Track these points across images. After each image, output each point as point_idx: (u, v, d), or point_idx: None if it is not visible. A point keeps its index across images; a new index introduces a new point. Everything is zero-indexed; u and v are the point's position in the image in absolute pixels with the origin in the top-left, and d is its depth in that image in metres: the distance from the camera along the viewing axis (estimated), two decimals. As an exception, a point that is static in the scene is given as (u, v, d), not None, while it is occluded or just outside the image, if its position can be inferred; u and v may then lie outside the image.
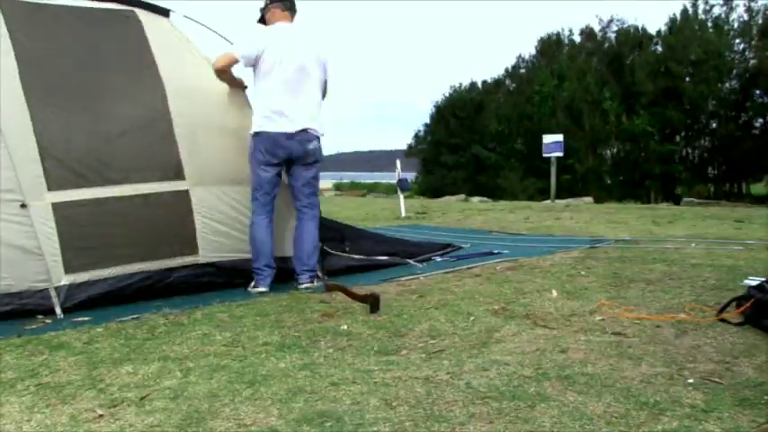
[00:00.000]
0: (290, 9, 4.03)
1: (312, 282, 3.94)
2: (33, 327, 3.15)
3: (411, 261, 4.73)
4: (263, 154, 3.86)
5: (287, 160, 3.93)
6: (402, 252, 4.94)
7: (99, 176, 3.58)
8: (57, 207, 3.42)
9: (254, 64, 3.89)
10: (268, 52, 3.85)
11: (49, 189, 3.42)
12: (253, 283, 3.90)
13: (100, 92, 3.70)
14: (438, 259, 4.92)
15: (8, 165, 3.31)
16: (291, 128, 3.84)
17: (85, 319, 3.26)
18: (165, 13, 4.07)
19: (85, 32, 3.78)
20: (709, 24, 25.83)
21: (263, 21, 4.10)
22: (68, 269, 3.44)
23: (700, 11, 26.29)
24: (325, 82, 4.10)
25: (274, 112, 3.84)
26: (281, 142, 3.84)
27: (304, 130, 3.88)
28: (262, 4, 4.10)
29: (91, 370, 2.46)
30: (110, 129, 3.67)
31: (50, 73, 3.59)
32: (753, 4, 24.52)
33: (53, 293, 3.37)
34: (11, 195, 3.31)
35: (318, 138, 3.97)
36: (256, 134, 3.87)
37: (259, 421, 1.94)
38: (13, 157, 3.33)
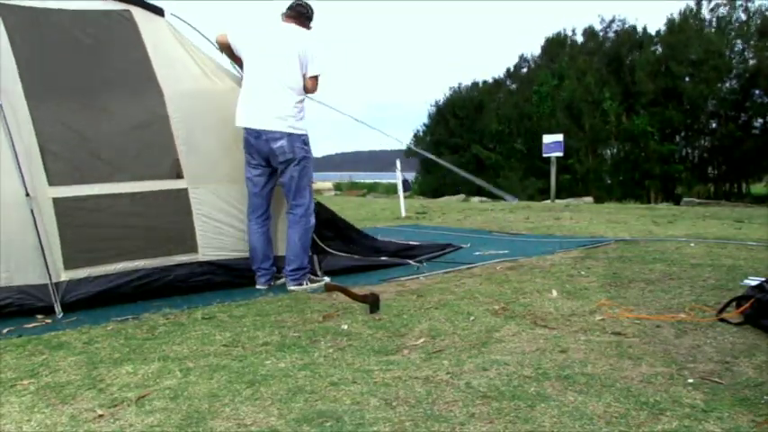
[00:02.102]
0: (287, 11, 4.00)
1: (299, 284, 3.90)
2: (33, 327, 3.15)
3: (411, 261, 4.73)
4: (245, 153, 3.92)
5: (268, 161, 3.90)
6: (402, 252, 4.94)
7: (99, 174, 3.61)
8: (57, 202, 3.46)
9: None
10: (244, 49, 3.94)
11: (50, 184, 3.47)
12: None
13: (98, 93, 3.76)
14: (411, 263, 4.71)
15: (11, 160, 3.36)
16: (257, 126, 3.82)
17: (85, 318, 3.27)
18: (160, 12, 4.10)
19: (83, 35, 3.82)
20: (713, 24, 25.77)
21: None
22: (68, 265, 3.45)
23: (704, 10, 26.23)
24: (305, 77, 3.90)
25: (244, 109, 3.87)
26: (251, 141, 3.85)
27: (269, 129, 3.80)
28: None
29: (91, 370, 2.46)
30: (109, 128, 3.71)
31: (49, 74, 3.64)
32: (749, 4, 24.48)
33: (52, 289, 3.38)
34: (13, 190, 3.34)
35: (289, 136, 3.82)
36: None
37: (259, 421, 1.94)
38: (15, 152, 3.37)
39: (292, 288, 3.88)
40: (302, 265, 3.93)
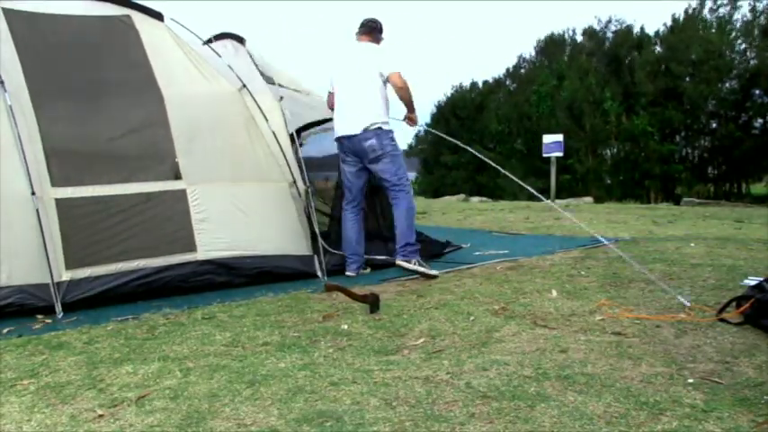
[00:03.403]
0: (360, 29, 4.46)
1: (407, 261, 4.18)
2: (33, 326, 3.15)
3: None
4: (340, 153, 4.41)
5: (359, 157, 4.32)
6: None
7: (100, 175, 3.66)
8: (60, 203, 3.49)
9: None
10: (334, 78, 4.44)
11: (53, 185, 3.50)
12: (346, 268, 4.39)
13: (100, 96, 3.84)
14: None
15: (19, 159, 3.40)
16: (350, 132, 4.26)
17: (85, 318, 3.27)
18: (159, 17, 4.15)
19: (85, 40, 3.88)
20: (714, 24, 25.73)
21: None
22: (69, 265, 3.47)
23: (706, 10, 26.18)
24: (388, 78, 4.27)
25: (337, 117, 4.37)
26: (345, 143, 4.34)
27: (361, 131, 4.22)
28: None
29: (91, 370, 2.46)
30: (110, 130, 3.77)
31: (53, 78, 3.70)
32: (757, 3, 24.39)
33: (53, 289, 3.38)
34: (19, 189, 3.36)
35: (377, 135, 4.19)
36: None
37: (259, 421, 1.94)
38: (24, 152, 3.42)
39: (400, 263, 4.20)
40: (410, 242, 4.23)
